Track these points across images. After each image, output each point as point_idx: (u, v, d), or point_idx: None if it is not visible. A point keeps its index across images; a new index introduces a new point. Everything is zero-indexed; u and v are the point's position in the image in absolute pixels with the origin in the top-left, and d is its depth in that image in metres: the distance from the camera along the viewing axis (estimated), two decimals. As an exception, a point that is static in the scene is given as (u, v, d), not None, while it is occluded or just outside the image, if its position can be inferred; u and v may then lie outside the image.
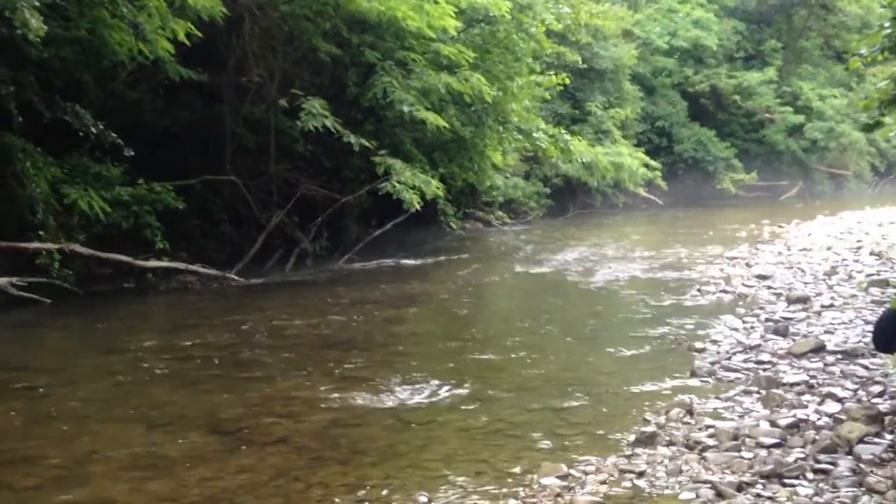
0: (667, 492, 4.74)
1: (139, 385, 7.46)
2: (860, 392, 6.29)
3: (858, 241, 16.67)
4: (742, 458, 5.14)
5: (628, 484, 4.87)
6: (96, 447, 5.82)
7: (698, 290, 11.52)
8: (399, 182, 13.58)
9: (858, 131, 30.88)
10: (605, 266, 14.57)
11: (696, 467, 5.07)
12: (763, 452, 5.22)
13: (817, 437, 5.35)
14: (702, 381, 7.05)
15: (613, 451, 5.41)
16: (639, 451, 5.41)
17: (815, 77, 35.55)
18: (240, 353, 8.69)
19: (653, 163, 26.94)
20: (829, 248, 15.46)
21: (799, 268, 13.07)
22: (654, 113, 31.14)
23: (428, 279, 13.55)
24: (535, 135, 17.80)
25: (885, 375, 6.63)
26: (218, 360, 8.36)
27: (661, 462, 5.18)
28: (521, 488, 4.84)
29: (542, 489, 4.80)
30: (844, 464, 4.91)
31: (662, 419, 6.03)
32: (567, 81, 19.51)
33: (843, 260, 13.71)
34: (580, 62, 24.41)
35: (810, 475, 4.83)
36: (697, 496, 4.63)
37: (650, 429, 5.72)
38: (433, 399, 6.74)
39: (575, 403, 6.51)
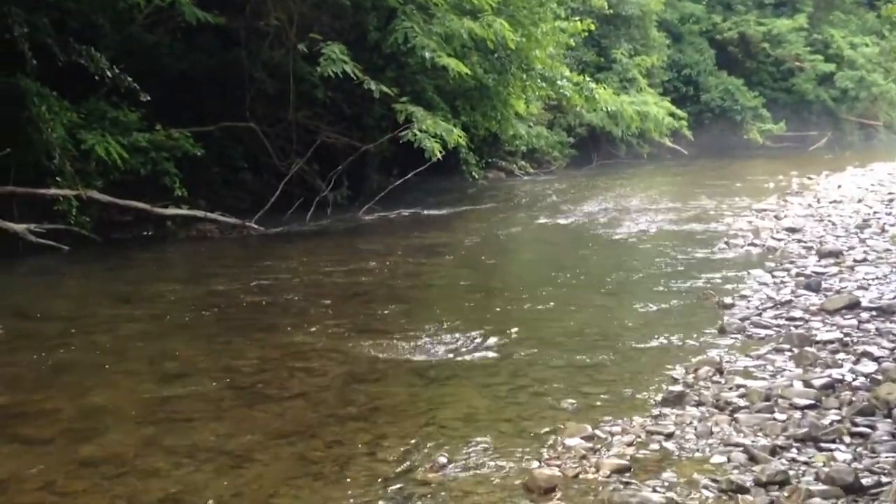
0: (697, 455, 4.55)
1: (155, 335, 7.33)
2: (898, 351, 6.06)
3: (890, 193, 16.30)
4: (775, 419, 4.94)
5: (656, 446, 4.68)
6: (110, 400, 5.71)
7: (726, 242, 11.25)
8: (420, 130, 13.29)
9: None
10: (630, 217, 14.31)
11: (726, 429, 4.88)
12: (797, 414, 5.02)
13: (854, 399, 5.15)
14: (731, 337, 6.82)
15: (640, 411, 5.22)
16: (666, 411, 5.22)
17: (846, 25, 34.69)
18: (258, 304, 8.55)
19: (679, 112, 26.44)
20: (859, 201, 15.12)
21: (829, 220, 12.77)
22: (680, 61, 30.53)
23: (449, 229, 13.34)
24: (559, 83, 17.41)
25: (924, 334, 6.39)
26: (235, 310, 8.23)
27: (690, 423, 4.99)
28: (544, 449, 4.67)
29: (566, 450, 4.63)
30: (883, 427, 4.71)
31: (691, 378, 5.83)
32: (592, 28, 19.08)
33: (875, 213, 13.39)
34: (606, 7, 23.88)
35: (847, 439, 4.63)
36: (729, 460, 4.44)
37: (678, 388, 5.53)
38: (454, 354, 6.56)
39: (600, 360, 6.31)
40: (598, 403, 5.40)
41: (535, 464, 4.49)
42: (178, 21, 13.27)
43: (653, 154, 28.19)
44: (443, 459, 4.54)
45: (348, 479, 4.39)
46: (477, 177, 17.90)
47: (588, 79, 19.19)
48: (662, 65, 28.93)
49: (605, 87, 19.53)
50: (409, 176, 15.83)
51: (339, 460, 4.61)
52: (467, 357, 6.50)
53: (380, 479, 4.37)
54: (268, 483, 4.36)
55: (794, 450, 4.53)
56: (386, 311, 8.02)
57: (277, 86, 14.84)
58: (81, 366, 6.47)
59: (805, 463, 4.36)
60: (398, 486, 4.29)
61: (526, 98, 18.36)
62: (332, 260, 10.79)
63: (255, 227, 12.99)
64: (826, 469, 4.18)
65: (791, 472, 4.20)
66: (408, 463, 4.55)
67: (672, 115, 25.99)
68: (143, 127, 12.45)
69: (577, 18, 19.01)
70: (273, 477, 4.43)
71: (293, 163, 14.67)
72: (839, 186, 18.03)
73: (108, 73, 11.60)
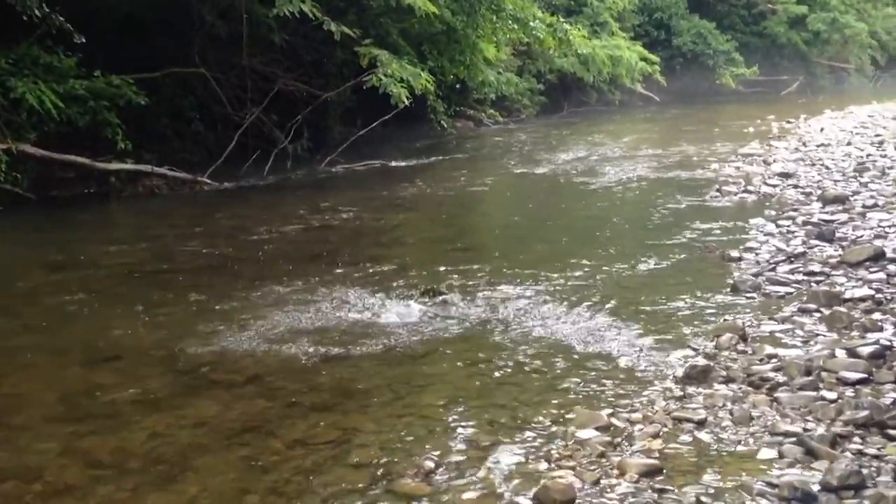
0: (740, 448, 3.73)
1: (88, 308, 6.35)
2: (945, 311, 5.28)
3: (877, 135, 15.62)
4: (825, 399, 4.13)
5: (687, 438, 3.85)
6: (25, 390, 4.79)
7: (718, 190, 10.43)
8: (386, 75, 12.29)
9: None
10: (609, 166, 13.44)
11: (768, 413, 4.06)
12: (849, 392, 4.21)
13: (912, 372, 4.35)
14: (747, 297, 6.01)
15: (660, 392, 4.38)
16: (691, 390, 4.39)
17: (820, -36, 33.85)
18: (208, 268, 7.62)
19: (652, 56, 25.51)
20: (848, 144, 14.41)
21: (822, 165, 12.02)
22: (651, 4, 29.52)
23: (419, 182, 12.39)
24: (531, 24, 16.38)
25: (970, 291, 5.61)
26: (183, 277, 7.27)
27: (723, 406, 4.17)
28: (553, 445, 3.83)
29: (579, 446, 3.78)
30: (958, 409, 3.92)
31: (711, 347, 5.01)
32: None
33: (869, 155, 12.66)
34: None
35: (918, 424, 3.83)
36: (781, 455, 3.63)
37: (701, 361, 4.70)
38: (432, 325, 5.67)
39: (602, 328, 5.45)
40: (608, 382, 4.56)
41: (544, 465, 3.65)
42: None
43: (624, 101, 27.29)
44: (429, 463, 3.67)
45: (313, 493, 3.52)
46: (446, 126, 16.88)
47: (562, 19, 18.18)
48: (633, 8, 27.91)
49: (578, 29, 18.52)
50: (374, 125, 14.79)
51: (302, 467, 3.73)
52: (447, 327, 5.63)
53: (352, 492, 3.50)
54: (212, 501, 3.48)
55: (856, 439, 3.72)
56: (352, 274, 7.06)
57: (230, 29, 13.70)
58: (-4, 347, 5.52)
59: (876, 457, 3.56)
60: (376, 502, 3.43)
61: (496, 42, 17.33)
62: (292, 217, 9.81)
63: (208, 181, 11.95)
64: (908, 467, 3.38)
65: (864, 472, 3.38)
66: (385, 468, 3.68)
67: (644, 59, 25.06)
68: (81, 74, 11.29)
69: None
70: (218, 492, 3.55)
71: (249, 112, 13.58)
72: (822, 130, 17.31)
73: (37, 13, 10.38)
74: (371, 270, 7.20)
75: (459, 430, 4.05)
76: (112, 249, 8.37)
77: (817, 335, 5.10)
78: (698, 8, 30.94)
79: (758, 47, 32.37)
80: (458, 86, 19.45)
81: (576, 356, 4.98)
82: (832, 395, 4.16)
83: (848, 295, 5.74)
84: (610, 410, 4.15)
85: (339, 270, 7.21)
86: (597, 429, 3.94)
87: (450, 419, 4.18)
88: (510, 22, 16.06)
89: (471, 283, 6.62)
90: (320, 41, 14.09)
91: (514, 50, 21.95)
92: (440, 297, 6.15)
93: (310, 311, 6.00)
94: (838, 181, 10.48)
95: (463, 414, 4.24)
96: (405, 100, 12.43)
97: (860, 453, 3.59)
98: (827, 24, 32.03)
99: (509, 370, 4.81)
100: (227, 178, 12.22)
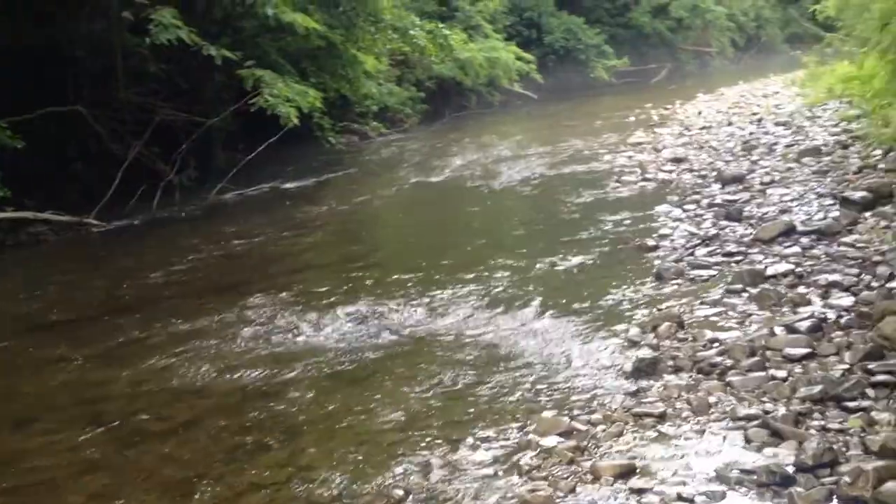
0: (706, 437, 3.71)
1: (-8, 370, 5.95)
2: (865, 276, 5.40)
3: (754, 113, 16.10)
4: (776, 378, 4.15)
5: (652, 434, 3.81)
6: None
7: (617, 180, 10.55)
8: (273, 95, 11.98)
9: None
10: (505, 166, 13.45)
11: (724, 399, 4.07)
12: (797, 368, 4.25)
13: (852, 341, 4.42)
14: (673, 284, 6.05)
15: (613, 389, 4.35)
16: (643, 383, 4.37)
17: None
18: (111, 312, 7.19)
19: (527, 55, 25.78)
20: (729, 124, 14.80)
21: (710, 146, 12.31)
22: (521, 4, 29.82)
23: (317, 201, 12.13)
24: (411, 32, 16.32)
25: (882, 253, 5.76)
26: (85, 325, 6.86)
27: (679, 396, 4.15)
28: (520, 456, 3.73)
29: (547, 454, 3.70)
30: (908, 372, 3.99)
31: (651, 337, 5.01)
32: (435, -28, 18.00)
33: (752, 133, 13.03)
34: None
35: (871, 392, 3.88)
36: (748, 440, 3.62)
37: (647, 353, 4.68)
38: (365, 345, 5.51)
39: (539, 329, 5.40)
40: (559, 385, 4.49)
41: (516, 478, 3.56)
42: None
43: (503, 101, 27.46)
44: (398, 492, 3.53)
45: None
46: (334, 142, 16.62)
47: (441, 25, 18.18)
48: (504, 9, 28.17)
49: (457, 33, 18.54)
50: (261, 149, 14.41)
51: (262, 514, 3.53)
52: (378, 345, 5.47)
53: (322, 535, 3.32)
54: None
55: (816, 415, 3.75)
56: (271, 302, 6.81)
57: (104, 62, 13.15)
58: None
59: (840, 431, 3.58)
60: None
61: (377, 53, 17.20)
62: (192, 249, 9.44)
63: (95, 223, 11.40)
64: (876, 438, 3.39)
65: (834, 448, 3.39)
66: (354, 502, 3.51)
67: (520, 59, 25.30)
68: (-53, 121, 10.66)
69: (418, -36, 17.90)
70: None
71: (130, 147, 13.06)
72: (699, 113, 17.76)
73: None
74: (288, 296, 6.95)
75: (420, 452, 3.91)
76: (2, 304, 7.88)
77: (751, 315, 5.15)
78: (566, 4, 31.46)
79: (625, 38, 33.13)
80: (339, 101, 19.22)
81: (518, 361, 4.90)
82: (782, 374, 4.20)
83: (770, 272, 5.84)
84: (570, 413, 4.08)
85: (254, 300, 6.92)
86: (560, 434, 3.87)
87: (408, 442, 4.04)
88: (390, 32, 15.96)
89: (395, 297, 6.46)
90: (198, 68, 13.66)
91: (391, 60, 21.85)
92: (367, 316, 5.99)
93: (234, 344, 5.75)
94: (729, 161, 10.72)
95: (420, 435, 4.10)
96: (295, 119, 12.17)
97: (824, 429, 3.61)
98: (688, 10, 33.12)
99: (455, 383, 4.69)
100: (115, 216, 11.69)
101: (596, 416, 4.03)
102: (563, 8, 31.07)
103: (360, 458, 3.92)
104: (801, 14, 42.43)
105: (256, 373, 5.16)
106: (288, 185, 13.95)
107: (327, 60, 15.99)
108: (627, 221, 8.26)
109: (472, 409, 4.29)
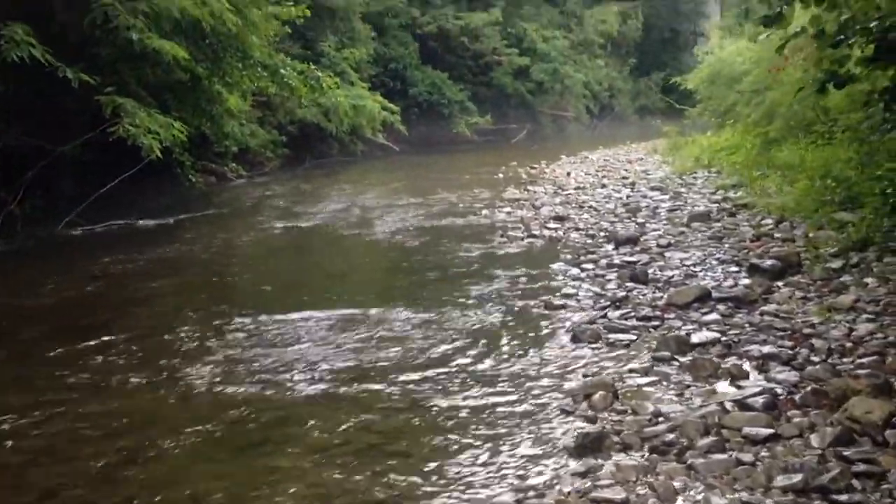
0: (684, 534, 3.19)
1: None
2: (802, 350, 5.08)
3: (624, 177, 16.24)
4: (743, 463, 3.70)
5: (620, 527, 3.26)
6: None
7: (502, 235, 10.15)
8: (134, 125, 11.03)
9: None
10: (377, 216, 12.89)
11: (691, 484, 3.57)
12: (763, 452, 3.81)
13: (814, 423, 4.02)
14: (591, 348, 5.58)
15: (559, 469, 3.79)
16: (591, 462, 3.83)
17: (538, 18, 35.68)
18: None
19: (392, 106, 25.46)
20: (603, 186, 14.81)
21: (591, 207, 12.16)
22: (386, 55, 29.60)
23: (176, 241, 11.17)
24: (282, 71, 15.61)
25: (812, 326, 5.49)
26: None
27: (638, 479, 3.63)
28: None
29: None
30: (888, 460, 3.60)
31: (585, 408, 4.49)
32: (307, 13, 17.39)
33: (629, 196, 13.00)
34: (312, -5, 22.26)
35: (856, 483, 3.46)
36: (734, 538, 3.12)
37: (589, 427, 4.16)
38: (250, 406, 4.76)
39: (456, 400, 4.80)
40: (497, 462, 3.89)
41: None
42: None
43: (365, 152, 27.03)
44: None
45: None
46: (194, 180, 15.64)
47: (313, 66, 17.53)
48: (369, 59, 27.83)
49: (330, 76, 17.94)
50: (116, 182, 13.34)
51: None
52: (272, 408, 4.73)
53: None
54: None
55: (803, 509, 3.29)
56: (134, 351, 5.95)
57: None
58: None
59: (838, 529, 3.13)
60: None
61: (243, 90, 16.37)
62: (27, 290, 8.38)
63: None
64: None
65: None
66: None
67: (386, 109, 24.93)
68: None
69: (290, 3, 17.22)
70: None
71: (-34, 173, 11.76)
72: (569, 174, 17.80)
73: None
74: (147, 347, 6.09)
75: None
76: None
77: (688, 386, 4.74)
78: (430, 59, 31.47)
79: (487, 97, 33.41)
80: (198, 138, 18.21)
81: (443, 436, 4.27)
82: (748, 457, 3.75)
83: (696, 339, 5.46)
84: (515, 497, 3.49)
85: (109, 351, 6.05)
86: (514, 528, 3.26)
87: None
88: (259, 69, 15.20)
89: (269, 358, 5.73)
90: (49, 91, 12.52)
91: (253, 101, 21.02)
92: (238, 377, 5.24)
93: (87, 406, 4.87)
94: (614, 222, 10.53)
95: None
96: (158, 151, 11.25)
97: (820, 527, 3.16)
98: (549, 74, 33.78)
99: (366, 458, 4.01)
100: (-55, 248, 10.43)
101: (547, 502, 3.45)
102: (428, 62, 31.05)
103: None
104: (649, 88, 44.48)
105: (124, 440, 4.34)
106: (144, 223, 12.97)
107: (189, 94, 15.05)
108: (524, 279, 7.79)
109: (391, 487, 3.63)
